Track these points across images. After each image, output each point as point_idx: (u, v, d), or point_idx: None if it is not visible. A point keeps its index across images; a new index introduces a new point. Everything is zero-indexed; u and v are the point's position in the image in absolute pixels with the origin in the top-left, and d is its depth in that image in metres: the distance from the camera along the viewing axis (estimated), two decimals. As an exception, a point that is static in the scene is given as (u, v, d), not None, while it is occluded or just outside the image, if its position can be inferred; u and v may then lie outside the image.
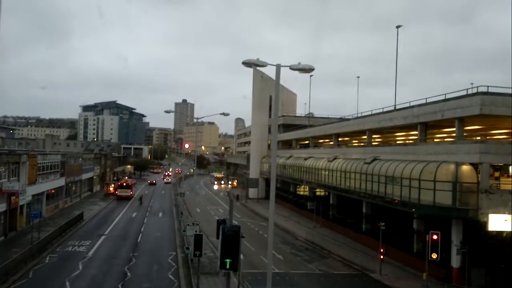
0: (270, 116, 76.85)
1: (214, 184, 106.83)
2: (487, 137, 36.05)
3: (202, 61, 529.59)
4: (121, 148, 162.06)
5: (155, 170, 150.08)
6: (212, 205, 66.25)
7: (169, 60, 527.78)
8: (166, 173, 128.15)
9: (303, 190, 60.47)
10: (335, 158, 45.07)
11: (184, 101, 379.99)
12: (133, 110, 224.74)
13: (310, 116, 72.15)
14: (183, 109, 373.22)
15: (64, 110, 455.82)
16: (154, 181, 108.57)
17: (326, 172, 45.87)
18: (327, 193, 50.51)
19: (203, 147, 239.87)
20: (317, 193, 56.50)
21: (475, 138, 35.20)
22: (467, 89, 27.37)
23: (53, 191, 50.97)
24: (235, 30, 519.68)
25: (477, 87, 26.59)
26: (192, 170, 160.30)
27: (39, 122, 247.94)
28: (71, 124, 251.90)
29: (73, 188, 62.51)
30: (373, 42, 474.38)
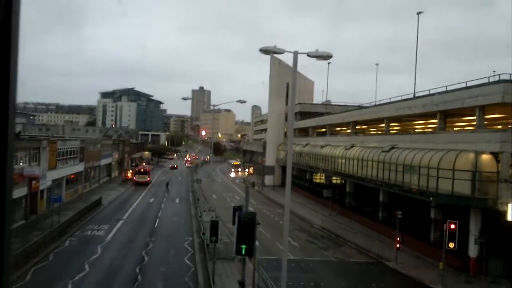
0: (287, 104, 76.45)
1: (231, 171, 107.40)
2: (509, 126, 35.36)
3: (218, 49, 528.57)
4: (139, 134, 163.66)
5: (170, 157, 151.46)
6: (228, 192, 66.65)
7: (185, 48, 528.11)
8: (186, 160, 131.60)
9: (319, 178, 60.41)
10: (352, 146, 44.81)
11: (201, 88, 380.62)
12: (151, 97, 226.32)
13: (327, 104, 71.64)
14: (200, 96, 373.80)
15: (83, 97, 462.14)
16: (175, 166, 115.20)
17: (343, 160, 45.67)
18: (343, 181, 50.39)
19: (219, 134, 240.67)
20: (333, 181, 56.37)
21: (495, 127, 34.56)
22: (488, 77, 26.85)
23: (72, 176, 51.87)
24: (250, 18, 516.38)
25: (499, 74, 26.04)
26: (208, 157, 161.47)
27: (59, 109, 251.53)
28: (90, 110, 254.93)
29: (92, 173, 63.48)
30: (391, 29, 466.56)
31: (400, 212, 30.20)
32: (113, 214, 42.44)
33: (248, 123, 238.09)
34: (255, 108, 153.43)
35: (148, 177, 71.37)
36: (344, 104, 68.64)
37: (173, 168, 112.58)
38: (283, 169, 71.47)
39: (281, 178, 73.95)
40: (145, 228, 36.69)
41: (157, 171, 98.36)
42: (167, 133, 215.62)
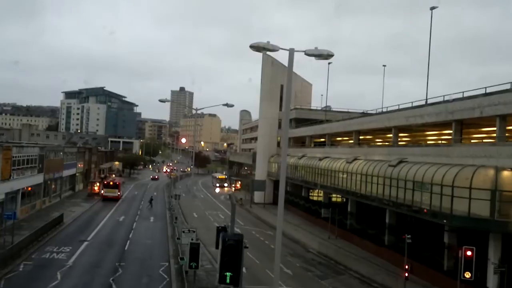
0: (281, 109, 76.83)
1: (215, 186, 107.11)
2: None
3: (202, 44, 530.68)
4: (109, 141, 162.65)
5: (139, 167, 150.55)
6: (212, 209, 66.41)
7: (164, 42, 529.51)
8: (166, 171, 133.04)
9: (317, 195, 60.40)
10: (355, 159, 45.02)
11: (182, 89, 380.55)
12: (123, 98, 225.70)
13: (327, 109, 72.02)
14: (181, 98, 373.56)
15: (44, 97, 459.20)
16: (156, 176, 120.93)
17: (344, 175, 45.81)
18: (344, 200, 50.40)
19: (202, 143, 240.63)
20: (333, 199, 56.32)
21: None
22: (510, 82, 27.16)
23: (29, 189, 51.34)
24: (238, 9, 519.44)
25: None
26: (189, 169, 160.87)
27: (16, 110, 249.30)
28: (51, 112, 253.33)
29: (53, 186, 62.92)
30: (396, 27, 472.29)
31: (409, 236, 30.29)
32: (77, 234, 42.00)
33: (235, 131, 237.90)
34: (244, 113, 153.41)
35: (118, 192, 71.00)
36: (346, 110, 69.16)
37: (154, 179, 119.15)
38: (276, 184, 71.44)
39: (273, 194, 73.93)
40: (113, 251, 36.38)
41: (129, 185, 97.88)
42: (141, 141, 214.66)
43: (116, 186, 71.23)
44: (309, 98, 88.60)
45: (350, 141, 54.51)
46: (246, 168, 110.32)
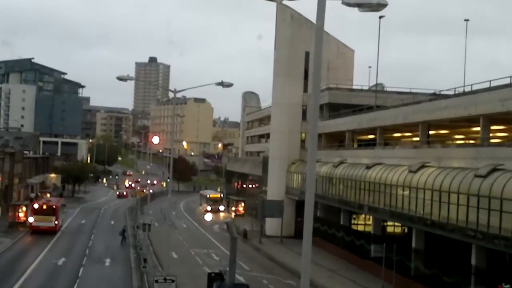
0: (305, 90, 76.73)
1: (205, 211, 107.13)
2: None
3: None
4: (40, 142, 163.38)
5: (88, 183, 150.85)
6: (200, 246, 66.27)
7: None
8: (130, 184, 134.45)
9: (363, 224, 60.14)
10: (422, 167, 44.79)
11: (152, 60, 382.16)
12: (63, 76, 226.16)
13: (377, 89, 71.68)
14: (151, 74, 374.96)
15: None
16: (124, 193, 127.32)
17: (406, 192, 45.59)
18: (406, 230, 50.07)
19: (185, 144, 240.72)
20: (389, 230, 55.99)
21: None
22: None
23: None
24: None
25: None
26: (164, 184, 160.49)
27: None
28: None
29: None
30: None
31: (507, 286, 30.03)
32: (-9, 287, 42.09)
33: (236, 124, 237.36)
34: (250, 97, 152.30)
35: (56, 220, 71.03)
36: (407, 90, 68.91)
37: (121, 196, 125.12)
38: (299, 206, 71.16)
39: (294, 223, 73.74)
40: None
41: (73, 209, 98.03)
42: (90, 141, 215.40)
43: (52, 212, 71.16)
44: (350, 73, 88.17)
45: (414, 138, 54.22)
46: (252, 181, 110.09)
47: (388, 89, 74.86)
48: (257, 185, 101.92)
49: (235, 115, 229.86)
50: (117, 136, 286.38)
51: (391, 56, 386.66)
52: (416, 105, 51.64)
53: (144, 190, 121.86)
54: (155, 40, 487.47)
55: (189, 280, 41.93)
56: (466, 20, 62.72)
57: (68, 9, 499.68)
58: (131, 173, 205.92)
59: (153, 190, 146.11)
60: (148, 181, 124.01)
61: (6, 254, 56.26)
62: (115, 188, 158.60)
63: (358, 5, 13.43)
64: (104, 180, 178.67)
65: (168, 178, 79.37)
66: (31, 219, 70.75)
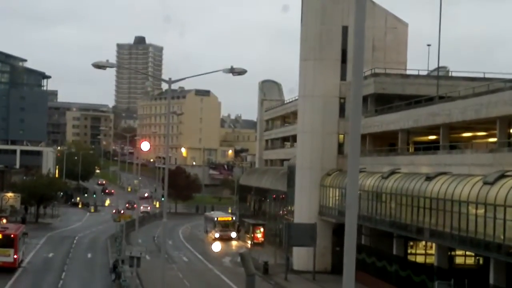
0: (342, 78, 76.65)
1: (213, 238, 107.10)
2: None
3: None
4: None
5: (56, 204, 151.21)
6: (206, 287, 66.28)
7: None
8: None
9: (423, 253, 59.92)
10: (502, 176, 44.55)
11: (140, 41, 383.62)
12: (22, 64, 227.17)
13: (440, 75, 71.47)
14: (137, 59, 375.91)
15: None
16: (122, 211, 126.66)
17: (480, 211, 45.36)
18: (481, 261, 49.70)
19: (184, 150, 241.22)
20: (458, 261, 55.66)
21: None
22: None
23: None
24: None
25: None
26: (157, 205, 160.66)
27: None
28: None
29: None
30: None
31: None
32: None
33: (251, 124, 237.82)
34: (269, 88, 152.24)
35: (15, 254, 71.22)
36: (479, 75, 68.60)
37: (117, 212, 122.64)
38: (337, 232, 71.09)
39: (331, 253, 73.80)
40: None
41: (37, 238, 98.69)
42: (59, 149, 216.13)
43: (10, 243, 71.34)
44: (403, 53, 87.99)
45: (490, 139, 53.88)
46: (274, 199, 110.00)
47: (454, 74, 74.56)
48: (280, 204, 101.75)
49: (250, 112, 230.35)
50: (94, 141, 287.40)
51: (457, 30, 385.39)
52: (492, 95, 51.39)
53: (142, 207, 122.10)
54: (143, 13, 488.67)
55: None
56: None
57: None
58: (113, 190, 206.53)
59: (149, 209, 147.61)
60: (144, 205, 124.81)
61: None
62: (92, 210, 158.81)
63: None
64: (78, 200, 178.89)
65: (163, 196, 79.45)
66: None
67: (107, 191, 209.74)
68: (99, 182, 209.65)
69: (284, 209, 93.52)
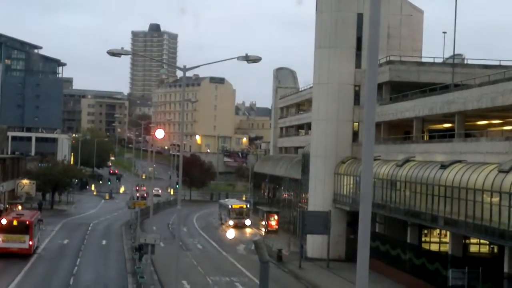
0: (358, 65, 76.67)
1: (227, 226, 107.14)
2: None
3: None
4: (8, 138, 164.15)
5: (71, 190, 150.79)
6: (220, 273, 66.45)
7: None
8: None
9: (437, 241, 59.81)
10: (517, 164, 44.33)
11: (155, 29, 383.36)
12: (37, 51, 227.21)
13: (455, 62, 71.15)
14: (152, 47, 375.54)
15: None
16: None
17: (496, 198, 45.28)
18: (496, 250, 49.56)
19: (198, 137, 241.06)
20: (472, 249, 55.50)
21: None
22: None
23: None
24: None
25: None
26: (172, 192, 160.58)
27: None
28: None
29: None
30: None
31: None
32: None
33: (265, 111, 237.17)
34: (284, 75, 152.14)
35: (30, 240, 71.37)
36: (497, 63, 68.36)
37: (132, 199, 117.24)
38: (353, 219, 71.02)
39: (345, 241, 73.83)
40: None
41: (52, 225, 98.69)
42: (74, 136, 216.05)
43: (25, 230, 71.45)
44: (418, 41, 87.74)
45: (506, 126, 53.67)
46: (288, 187, 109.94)
47: (470, 62, 74.21)
48: (295, 191, 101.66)
49: (264, 100, 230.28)
50: (109, 129, 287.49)
51: (473, 18, 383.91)
52: (508, 83, 51.19)
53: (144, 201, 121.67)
54: (158, 0, 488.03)
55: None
56: None
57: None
58: (117, 171, 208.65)
59: (160, 193, 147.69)
60: (155, 189, 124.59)
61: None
62: (107, 197, 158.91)
63: None
64: (93, 187, 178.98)
65: (177, 183, 79.47)
66: (-3, 239, 71.14)
67: (111, 171, 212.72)
68: (111, 171, 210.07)
69: (299, 197, 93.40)
